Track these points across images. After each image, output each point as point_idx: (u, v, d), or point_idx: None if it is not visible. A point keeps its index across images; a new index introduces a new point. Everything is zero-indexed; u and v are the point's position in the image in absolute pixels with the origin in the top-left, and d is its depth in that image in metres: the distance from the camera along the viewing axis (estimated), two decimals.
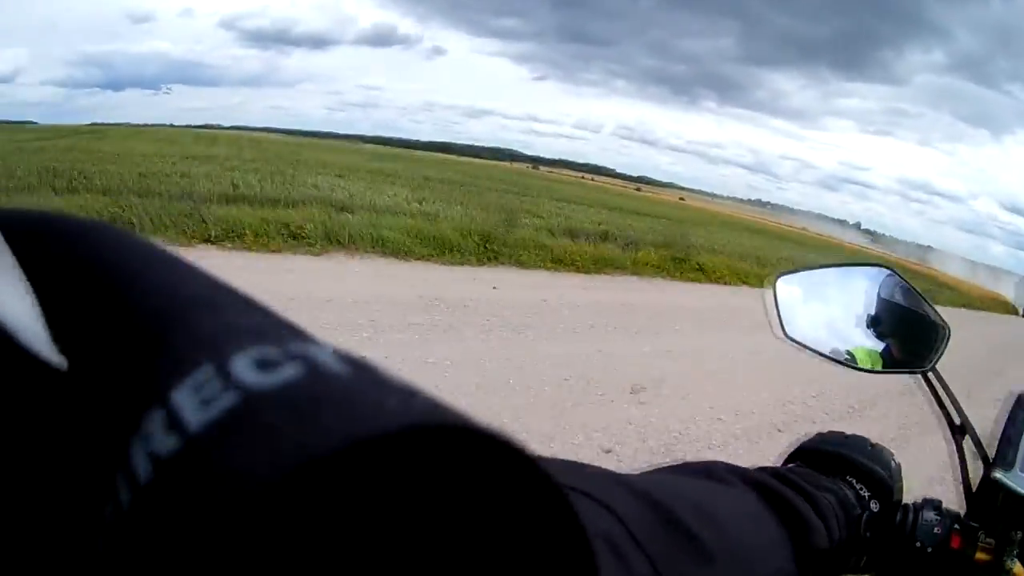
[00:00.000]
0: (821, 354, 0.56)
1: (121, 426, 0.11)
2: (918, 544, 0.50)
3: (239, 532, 0.10)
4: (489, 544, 0.12)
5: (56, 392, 0.12)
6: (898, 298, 0.58)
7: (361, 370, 0.12)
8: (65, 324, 0.12)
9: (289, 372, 0.11)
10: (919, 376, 0.56)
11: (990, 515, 0.53)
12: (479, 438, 0.11)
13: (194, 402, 0.11)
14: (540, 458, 0.12)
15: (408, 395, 0.11)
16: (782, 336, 0.55)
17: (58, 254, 0.13)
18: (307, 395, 0.11)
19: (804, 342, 0.56)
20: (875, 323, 0.58)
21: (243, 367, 0.11)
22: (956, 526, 0.51)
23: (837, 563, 0.44)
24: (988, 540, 0.51)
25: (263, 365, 0.11)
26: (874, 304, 0.58)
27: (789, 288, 0.57)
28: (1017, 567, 0.50)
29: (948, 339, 0.55)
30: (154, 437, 0.11)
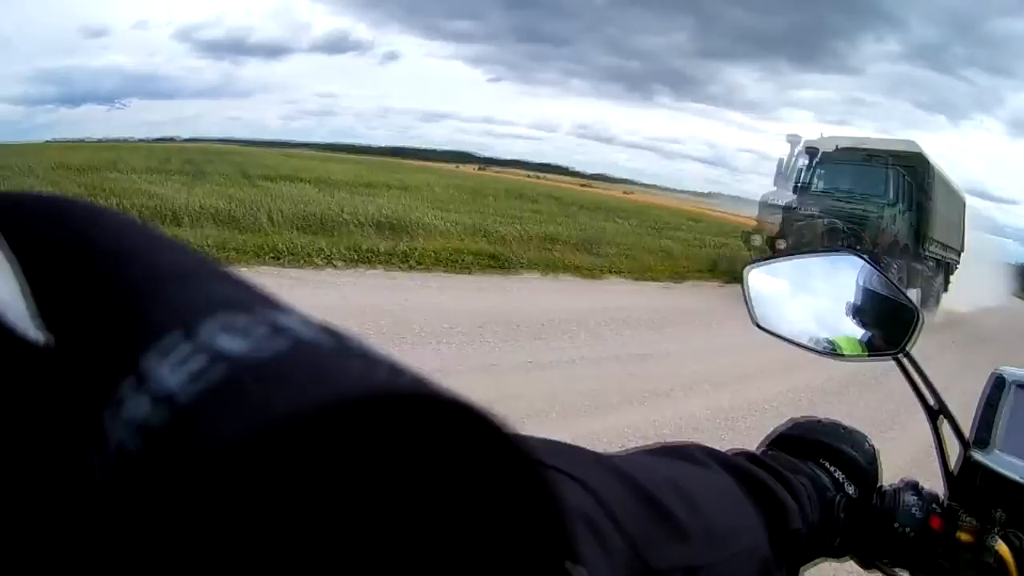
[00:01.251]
0: (794, 342, 0.56)
1: (96, 394, 0.11)
2: (897, 526, 0.50)
3: (208, 495, 0.10)
4: (458, 512, 0.12)
5: (40, 368, 0.12)
6: (870, 284, 0.58)
7: (329, 338, 0.12)
8: (50, 301, 0.12)
9: (257, 339, 0.11)
10: (894, 360, 0.56)
11: (971, 496, 0.53)
12: (449, 407, 0.11)
13: (162, 369, 0.11)
14: (515, 433, 0.12)
15: (377, 362, 0.12)
16: (754, 325, 0.55)
17: (40, 232, 0.13)
18: (275, 362, 0.11)
19: (777, 331, 0.56)
20: (849, 310, 0.59)
21: (212, 334, 0.11)
22: (936, 507, 0.52)
23: (812, 545, 0.44)
24: (970, 520, 0.52)
25: (232, 331, 0.11)
26: (846, 291, 0.59)
27: (760, 278, 0.57)
28: (1000, 546, 0.50)
29: (921, 323, 0.56)
30: (126, 404, 0.11)
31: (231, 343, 0.11)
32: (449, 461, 0.12)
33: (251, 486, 0.10)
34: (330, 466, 0.11)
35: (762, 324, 0.56)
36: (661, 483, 0.32)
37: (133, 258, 0.13)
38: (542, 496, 0.13)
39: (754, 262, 0.57)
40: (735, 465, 0.41)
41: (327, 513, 0.11)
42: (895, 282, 0.57)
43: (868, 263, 0.57)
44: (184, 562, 0.10)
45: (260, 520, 0.11)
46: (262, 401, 0.10)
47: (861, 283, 0.58)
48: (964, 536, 0.51)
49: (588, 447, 0.33)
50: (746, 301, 0.56)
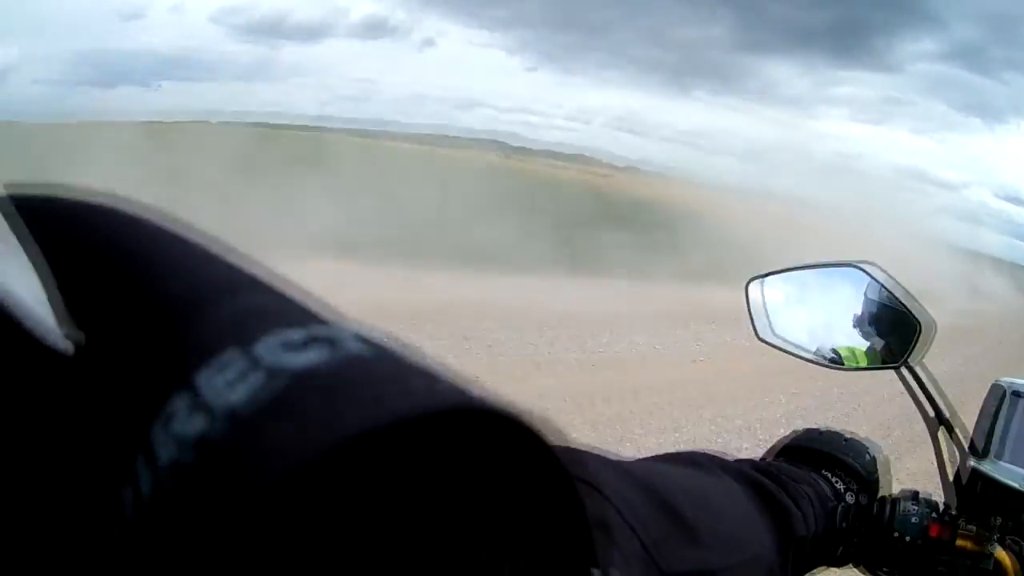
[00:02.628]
0: (797, 355, 0.58)
1: (142, 409, 0.11)
2: (897, 534, 0.51)
3: (268, 516, 0.10)
4: (500, 523, 0.13)
5: (66, 376, 0.12)
6: (875, 296, 0.59)
7: (384, 352, 0.12)
8: (81, 306, 0.12)
9: (314, 354, 0.11)
10: (895, 372, 0.57)
11: (971, 504, 0.54)
12: (503, 421, 0.12)
13: (219, 385, 0.11)
14: (556, 445, 0.13)
15: (432, 378, 0.12)
16: (756, 338, 0.57)
17: (75, 235, 0.13)
18: (333, 377, 0.11)
19: (780, 344, 0.57)
20: (852, 322, 0.60)
21: (268, 350, 0.11)
22: (935, 515, 0.53)
23: (815, 553, 0.44)
24: (969, 528, 0.53)
25: (288, 347, 0.11)
26: (850, 303, 0.59)
27: (765, 290, 0.58)
28: (999, 552, 0.51)
29: (923, 332, 0.56)
30: (178, 419, 0.10)
31: (289, 359, 0.11)
32: (499, 474, 0.12)
33: (313, 501, 0.10)
34: (391, 481, 0.11)
35: (764, 337, 0.57)
36: (675, 489, 0.33)
37: (176, 267, 0.13)
38: (574, 507, 0.13)
39: (757, 275, 0.59)
40: (741, 473, 0.41)
41: (385, 528, 0.11)
42: (901, 294, 0.58)
43: (871, 277, 0.58)
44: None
45: (320, 535, 0.11)
46: (325, 416, 0.10)
47: (865, 295, 0.59)
48: (964, 543, 0.52)
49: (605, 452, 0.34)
50: (749, 314, 0.57)
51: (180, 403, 0.11)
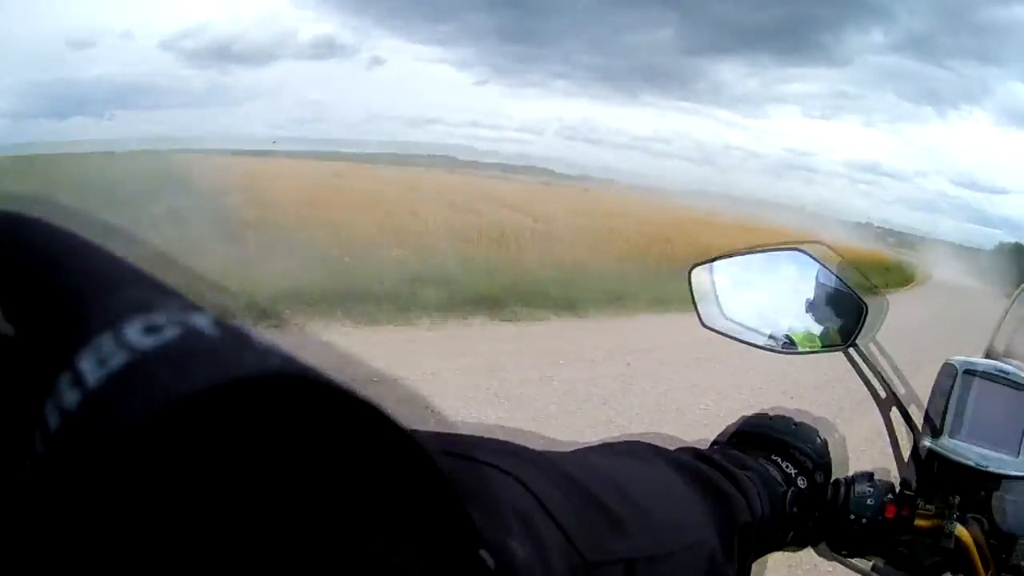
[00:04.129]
0: (742, 340, 0.57)
1: (39, 387, 0.13)
2: (853, 516, 0.50)
3: (124, 465, 0.12)
4: (341, 492, 0.14)
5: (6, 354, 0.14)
6: (816, 278, 0.59)
7: (230, 331, 0.14)
8: (8, 298, 0.14)
9: (168, 334, 0.13)
10: (844, 353, 0.56)
11: (927, 483, 0.53)
12: (331, 390, 0.13)
13: (93, 363, 0.13)
14: (400, 420, 0.14)
15: (268, 351, 0.13)
16: (701, 325, 0.56)
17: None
18: (180, 351, 0.13)
19: (723, 330, 0.56)
20: (798, 305, 0.59)
21: (133, 332, 0.13)
22: (891, 496, 0.52)
23: (763, 539, 0.44)
24: (928, 507, 0.52)
25: (150, 330, 0.13)
26: (794, 286, 0.59)
27: (706, 276, 0.57)
28: (959, 529, 0.50)
29: (869, 313, 0.56)
30: (63, 394, 0.12)
31: (143, 339, 0.13)
32: (334, 442, 0.14)
33: (147, 462, 0.12)
34: (219, 443, 0.13)
35: (710, 324, 0.56)
36: (597, 478, 0.33)
37: (71, 264, 0.15)
38: (435, 482, 0.14)
39: (699, 262, 0.58)
40: (679, 461, 0.41)
41: (215, 489, 0.13)
42: (844, 276, 0.58)
43: (814, 259, 0.57)
44: (90, 534, 0.12)
45: (154, 496, 0.12)
46: (169, 382, 0.12)
47: (809, 278, 0.59)
48: (922, 522, 0.52)
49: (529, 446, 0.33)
50: (693, 301, 0.56)
51: (64, 380, 0.13)
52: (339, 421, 0.13)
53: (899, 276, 15.73)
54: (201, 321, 0.14)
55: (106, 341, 0.13)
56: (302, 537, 0.13)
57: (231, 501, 0.13)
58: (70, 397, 0.12)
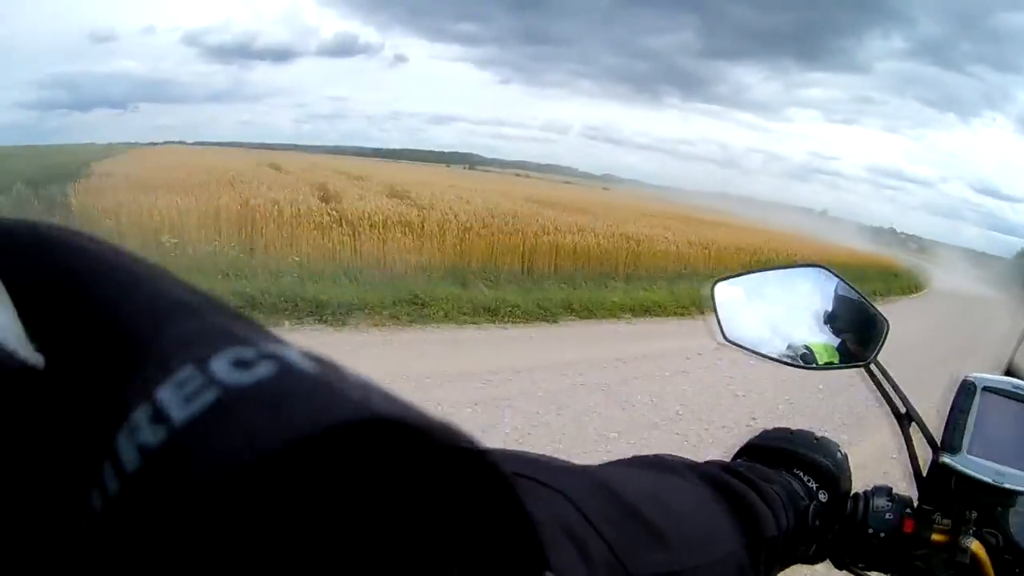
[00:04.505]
0: (762, 355, 0.58)
1: (108, 421, 0.12)
2: (871, 530, 0.51)
3: (219, 513, 0.11)
4: (438, 527, 0.13)
5: (35, 389, 0.13)
6: (836, 295, 0.60)
7: (326, 367, 0.13)
8: (43, 327, 0.13)
9: (262, 370, 0.12)
10: (864, 369, 0.57)
11: (943, 498, 0.54)
12: (429, 430, 0.13)
13: (178, 398, 0.12)
14: (490, 450, 0.14)
15: (368, 390, 0.13)
16: (722, 340, 0.57)
17: (37, 261, 0.14)
18: (278, 390, 0.12)
19: (745, 344, 0.57)
20: (819, 321, 0.60)
21: (221, 366, 0.12)
22: (908, 511, 0.53)
23: (787, 552, 0.44)
24: (944, 522, 0.53)
25: (239, 364, 0.12)
26: (815, 303, 0.60)
27: (728, 292, 0.59)
28: (975, 545, 0.51)
29: (887, 332, 0.57)
30: (141, 429, 0.12)
31: (239, 375, 0.12)
32: (427, 480, 0.13)
33: (257, 501, 0.11)
34: (327, 485, 0.12)
35: (731, 338, 0.57)
36: (640, 492, 0.33)
37: (134, 289, 0.14)
38: (516, 510, 0.14)
39: (722, 278, 0.59)
40: (709, 475, 0.41)
41: (308, 531, 0.12)
42: (862, 293, 0.59)
43: (833, 274, 0.58)
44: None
45: (261, 534, 0.12)
46: (267, 424, 0.11)
47: (829, 294, 0.60)
48: (938, 537, 0.52)
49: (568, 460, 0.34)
50: (716, 316, 0.57)
51: (143, 415, 0.12)
52: (437, 462, 0.13)
53: (906, 283, 15.33)
54: (293, 355, 0.13)
55: (191, 374, 0.12)
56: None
57: (332, 550, 0.12)
58: (151, 434, 0.11)
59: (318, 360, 0.13)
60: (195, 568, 0.11)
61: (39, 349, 0.13)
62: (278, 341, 0.14)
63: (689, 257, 10.25)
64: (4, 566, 0.12)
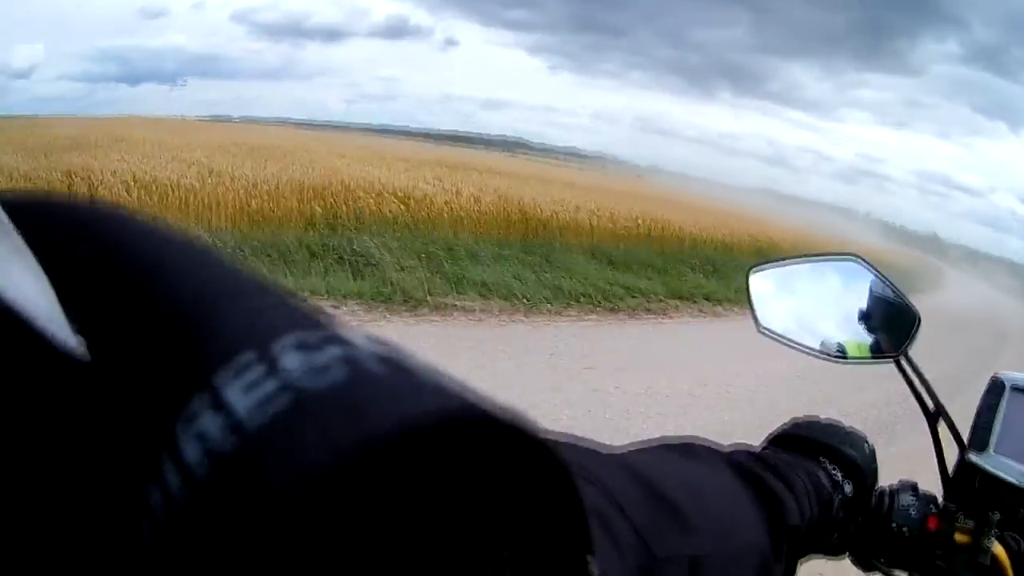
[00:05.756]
0: (796, 345, 0.57)
1: (164, 409, 0.11)
2: (895, 526, 0.51)
3: (298, 521, 0.10)
4: (506, 523, 0.13)
5: (79, 378, 0.12)
6: (869, 287, 0.59)
7: (396, 358, 0.12)
8: (87, 311, 0.12)
9: (335, 368, 0.11)
10: (894, 363, 0.57)
11: (968, 497, 0.54)
12: (505, 429, 0.12)
13: (239, 387, 0.11)
14: (552, 442, 0.13)
15: (442, 387, 0.12)
16: (757, 330, 0.56)
17: (76, 240, 0.13)
18: (351, 384, 0.11)
19: (780, 334, 0.56)
20: (851, 313, 0.59)
21: (284, 352, 0.12)
22: (933, 508, 0.53)
23: (809, 541, 0.44)
24: (967, 522, 0.52)
25: (303, 348, 0.12)
26: (848, 294, 0.59)
27: (763, 281, 0.57)
28: (996, 547, 0.51)
29: (919, 325, 0.56)
30: (201, 419, 0.11)
31: (302, 368, 0.11)
32: (505, 475, 0.13)
33: (317, 520, 0.11)
34: (396, 496, 0.11)
35: (766, 327, 0.56)
36: (667, 477, 0.33)
37: (185, 271, 0.13)
38: (573, 501, 0.14)
39: (757, 265, 0.58)
40: (735, 461, 0.42)
41: (404, 534, 0.12)
42: (895, 286, 0.58)
43: (867, 265, 0.57)
44: None
45: (346, 543, 0.11)
46: (331, 433, 0.11)
47: (862, 287, 0.59)
48: (961, 537, 0.52)
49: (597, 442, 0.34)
50: (751, 305, 0.56)
51: (202, 403, 0.11)
52: (508, 456, 0.13)
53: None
54: (364, 349, 0.12)
55: (250, 361, 0.11)
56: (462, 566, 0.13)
57: (414, 556, 0.12)
58: (221, 438, 0.11)
59: (385, 347, 0.13)
60: None
61: (82, 336, 0.12)
62: (343, 330, 0.13)
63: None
64: (57, 564, 0.11)
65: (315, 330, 0.12)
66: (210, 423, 0.11)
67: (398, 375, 0.12)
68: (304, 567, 0.11)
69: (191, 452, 0.11)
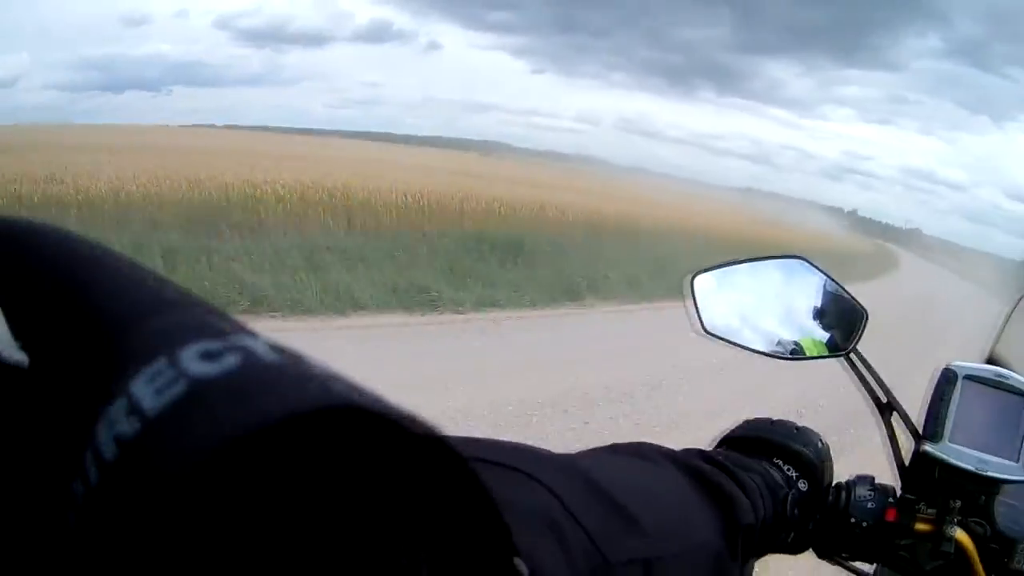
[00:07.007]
0: (740, 345, 0.58)
1: (87, 413, 0.13)
2: (853, 520, 0.51)
3: (189, 499, 0.11)
4: (399, 511, 0.14)
5: (18, 386, 0.13)
6: (814, 286, 0.60)
7: (290, 357, 0.14)
8: (23, 324, 0.14)
9: (229, 361, 0.13)
10: (844, 359, 0.57)
11: (926, 487, 0.54)
12: (389, 418, 0.13)
13: (150, 390, 0.12)
14: (449, 436, 0.14)
15: (329, 380, 0.13)
16: (702, 332, 0.57)
17: (15, 259, 0.15)
18: (242, 380, 0.12)
19: (724, 336, 0.57)
20: (799, 312, 0.60)
21: (190, 359, 0.13)
22: (891, 500, 0.53)
23: (765, 540, 0.44)
24: (928, 511, 0.53)
25: (207, 356, 0.13)
26: (794, 293, 0.60)
27: (706, 284, 0.58)
28: (959, 533, 0.51)
29: (866, 321, 0.57)
30: (118, 422, 0.12)
31: (202, 366, 0.13)
32: (388, 466, 0.13)
33: (224, 486, 0.12)
34: (284, 477, 0.12)
35: (711, 330, 0.57)
36: (617, 480, 0.33)
37: (111, 286, 0.14)
38: (478, 494, 0.14)
39: (700, 270, 0.59)
40: (685, 462, 0.42)
41: (272, 517, 0.13)
42: (840, 283, 0.59)
43: (811, 264, 0.58)
44: (148, 563, 0.12)
45: (213, 525, 0.12)
46: (232, 413, 0.12)
47: (808, 284, 0.60)
48: (922, 526, 0.52)
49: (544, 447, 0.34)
50: (695, 308, 0.57)
51: (119, 406, 0.12)
52: (398, 449, 0.13)
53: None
54: (259, 346, 0.13)
55: (162, 368, 0.13)
56: (357, 564, 0.13)
57: (294, 536, 0.13)
58: (127, 426, 0.12)
59: (283, 351, 0.14)
60: (168, 551, 0.12)
61: (23, 347, 0.14)
62: (248, 333, 0.14)
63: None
64: None
65: (220, 335, 0.14)
66: (119, 413, 0.12)
67: (289, 367, 0.13)
68: (194, 543, 0.12)
69: (104, 441, 0.12)
